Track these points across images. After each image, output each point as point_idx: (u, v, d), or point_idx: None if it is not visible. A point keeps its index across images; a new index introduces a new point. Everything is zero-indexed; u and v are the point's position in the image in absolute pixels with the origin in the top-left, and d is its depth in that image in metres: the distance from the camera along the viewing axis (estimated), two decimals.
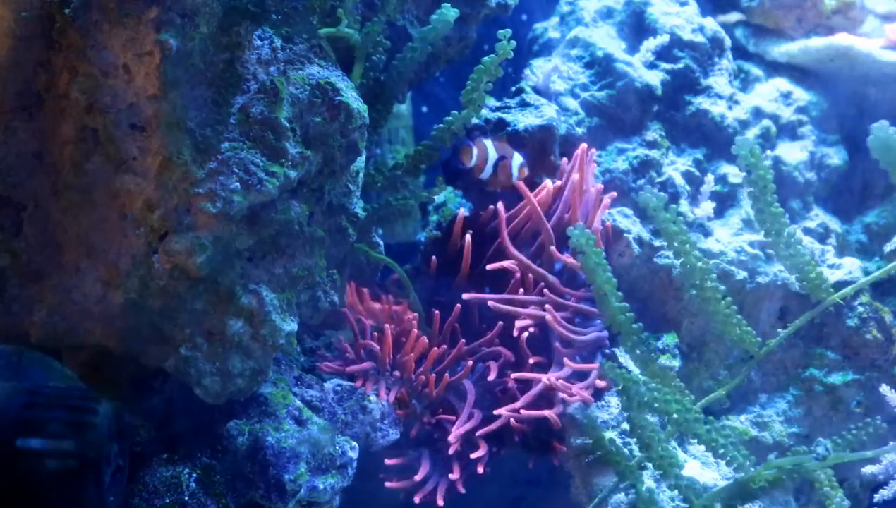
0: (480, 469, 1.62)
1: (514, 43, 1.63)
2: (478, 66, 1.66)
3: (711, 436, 1.43)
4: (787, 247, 1.51)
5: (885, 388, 1.64)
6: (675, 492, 1.49)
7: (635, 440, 1.63)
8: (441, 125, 1.73)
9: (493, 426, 1.63)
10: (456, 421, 1.66)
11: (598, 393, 1.69)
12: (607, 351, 1.72)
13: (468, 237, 1.79)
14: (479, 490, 1.66)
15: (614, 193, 1.82)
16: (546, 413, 1.61)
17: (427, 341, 1.69)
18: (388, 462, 1.63)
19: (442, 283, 1.85)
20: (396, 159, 1.83)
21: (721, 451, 1.43)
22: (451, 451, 1.61)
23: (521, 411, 1.61)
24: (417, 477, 1.62)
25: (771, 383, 1.83)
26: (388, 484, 1.62)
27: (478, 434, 1.63)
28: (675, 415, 1.42)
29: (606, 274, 1.42)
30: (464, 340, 1.71)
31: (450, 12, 1.60)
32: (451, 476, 1.62)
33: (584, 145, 1.82)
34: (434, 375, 1.67)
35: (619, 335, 1.49)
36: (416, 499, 1.60)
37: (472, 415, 1.66)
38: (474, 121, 1.79)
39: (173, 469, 1.42)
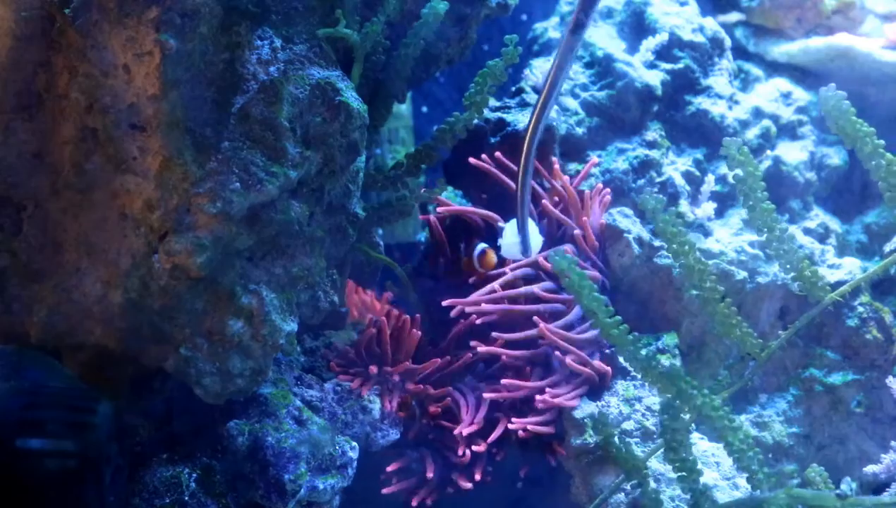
0: (478, 476, 1.63)
1: (520, 49, 1.63)
2: (483, 70, 1.66)
3: (741, 448, 1.41)
4: (781, 244, 1.50)
5: (891, 380, 1.64)
6: (687, 495, 1.48)
7: (636, 440, 1.64)
8: (443, 126, 1.73)
9: (498, 431, 1.63)
10: (453, 423, 1.66)
11: (597, 393, 1.69)
12: (607, 351, 1.73)
13: (444, 240, 1.82)
14: (479, 490, 1.66)
15: (607, 191, 1.84)
16: (547, 429, 1.64)
17: (420, 334, 1.69)
18: (389, 469, 1.63)
19: (442, 283, 1.85)
20: (396, 159, 1.83)
21: (745, 464, 1.42)
22: (460, 454, 1.62)
23: (529, 427, 1.62)
24: (429, 475, 1.62)
25: (771, 383, 1.83)
26: (385, 491, 1.62)
27: (489, 440, 1.63)
28: (715, 420, 1.41)
29: (592, 293, 1.40)
30: (469, 354, 1.71)
31: (439, 5, 1.60)
32: (464, 484, 1.63)
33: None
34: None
35: (616, 348, 1.49)
36: (428, 500, 1.61)
37: (474, 418, 1.66)
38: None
39: (173, 469, 1.42)
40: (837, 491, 1.38)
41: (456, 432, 1.61)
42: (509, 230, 1.59)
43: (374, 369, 1.64)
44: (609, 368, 1.69)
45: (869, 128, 1.42)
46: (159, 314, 1.37)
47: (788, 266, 1.53)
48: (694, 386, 1.38)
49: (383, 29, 1.62)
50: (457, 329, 1.73)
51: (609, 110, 1.96)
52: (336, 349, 1.72)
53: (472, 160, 1.78)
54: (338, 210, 1.58)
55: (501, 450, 1.67)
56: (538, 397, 1.61)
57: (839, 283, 1.75)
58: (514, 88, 1.99)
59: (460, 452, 1.62)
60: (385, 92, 1.72)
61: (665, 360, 1.72)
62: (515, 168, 1.79)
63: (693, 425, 1.52)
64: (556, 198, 1.81)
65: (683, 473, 1.43)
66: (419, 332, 1.68)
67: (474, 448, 1.61)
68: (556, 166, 1.82)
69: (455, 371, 1.72)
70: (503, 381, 1.65)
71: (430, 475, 1.62)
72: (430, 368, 1.68)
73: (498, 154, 1.79)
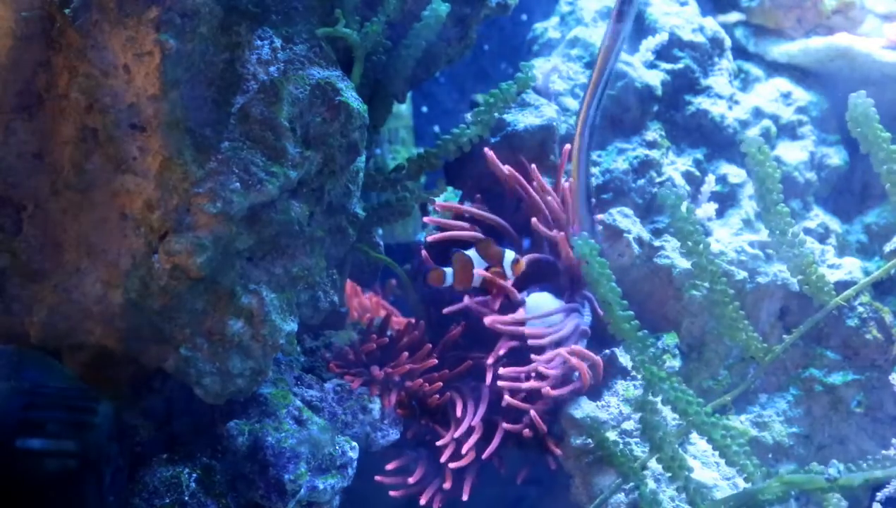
0: (466, 491, 1.62)
1: (533, 76, 1.66)
2: (494, 90, 1.68)
3: (726, 442, 1.42)
4: (791, 247, 1.51)
5: (893, 376, 1.65)
6: (683, 494, 1.48)
7: (636, 440, 1.64)
8: (448, 137, 1.74)
9: (496, 442, 1.62)
10: (452, 425, 1.66)
11: (597, 394, 1.69)
12: (607, 351, 1.72)
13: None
14: (479, 490, 1.66)
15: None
16: (566, 390, 1.63)
17: (429, 345, 1.69)
18: (388, 466, 1.63)
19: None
20: (396, 159, 1.83)
21: (734, 458, 1.42)
22: (443, 458, 1.61)
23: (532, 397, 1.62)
24: (412, 480, 1.61)
25: (771, 383, 1.83)
26: (378, 478, 1.62)
27: (485, 456, 1.61)
28: (693, 416, 1.42)
29: (610, 284, 1.41)
30: (470, 361, 1.70)
31: (441, 6, 1.61)
32: (444, 485, 1.61)
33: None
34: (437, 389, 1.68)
35: (624, 342, 1.49)
36: (423, 500, 1.61)
37: (469, 421, 1.66)
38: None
39: (173, 469, 1.42)
40: (826, 475, 1.39)
41: (446, 438, 1.61)
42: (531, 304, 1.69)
43: (379, 373, 1.64)
44: (599, 358, 1.68)
45: (886, 133, 1.43)
46: (159, 314, 1.37)
47: (796, 269, 1.53)
48: (666, 380, 1.39)
49: (384, 29, 1.62)
50: (453, 331, 1.73)
51: (609, 110, 1.96)
52: (336, 349, 1.72)
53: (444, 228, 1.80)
54: (338, 210, 1.58)
55: (497, 453, 1.67)
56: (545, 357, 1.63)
57: (839, 283, 1.75)
58: None
59: (446, 456, 1.61)
60: (385, 92, 1.72)
61: (666, 360, 1.73)
62: (511, 170, 1.80)
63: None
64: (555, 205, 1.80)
65: (671, 473, 1.43)
66: (429, 345, 1.69)
67: (463, 451, 1.60)
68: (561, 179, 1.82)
69: (456, 375, 1.72)
70: (500, 383, 1.64)
71: (412, 479, 1.61)
72: (425, 367, 1.68)
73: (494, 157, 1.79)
